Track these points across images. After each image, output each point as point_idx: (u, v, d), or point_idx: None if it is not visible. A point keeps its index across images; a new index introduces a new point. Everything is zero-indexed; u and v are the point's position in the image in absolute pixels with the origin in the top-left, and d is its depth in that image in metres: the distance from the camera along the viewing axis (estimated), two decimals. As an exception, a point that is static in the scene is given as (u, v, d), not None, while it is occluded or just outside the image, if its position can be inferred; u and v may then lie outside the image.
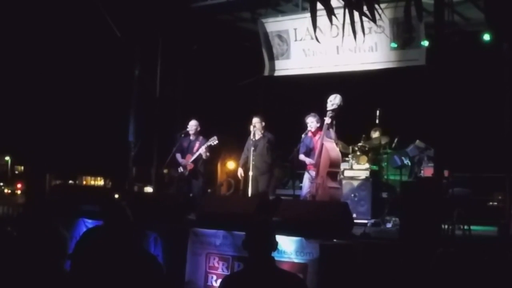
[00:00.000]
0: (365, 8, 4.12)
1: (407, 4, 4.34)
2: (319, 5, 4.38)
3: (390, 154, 10.42)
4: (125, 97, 12.68)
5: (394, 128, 10.75)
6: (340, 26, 4.15)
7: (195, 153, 10.81)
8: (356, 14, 4.24)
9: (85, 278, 4.05)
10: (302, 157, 9.44)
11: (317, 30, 11.48)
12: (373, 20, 4.13)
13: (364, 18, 4.13)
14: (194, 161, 10.84)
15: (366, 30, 10.05)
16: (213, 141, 10.73)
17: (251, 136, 10.30)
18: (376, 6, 4.08)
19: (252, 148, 10.17)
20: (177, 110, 13.00)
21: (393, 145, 10.67)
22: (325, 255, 6.65)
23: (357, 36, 4.23)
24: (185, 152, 10.98)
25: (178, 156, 11.00)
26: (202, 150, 10.71)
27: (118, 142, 13.20)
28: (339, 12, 4.27)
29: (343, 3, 4.22)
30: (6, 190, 31.10)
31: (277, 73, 12.05)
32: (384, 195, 10.41)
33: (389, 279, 6.51)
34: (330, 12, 4.06)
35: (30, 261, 4.62)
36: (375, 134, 10.84)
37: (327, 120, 9.10)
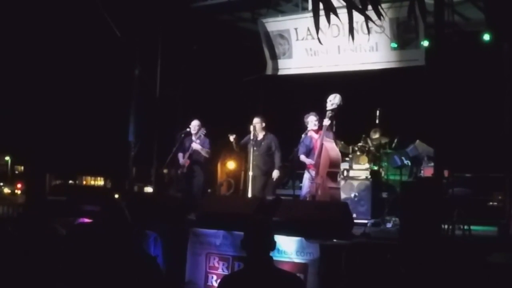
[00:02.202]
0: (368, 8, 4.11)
1: (411, 4, 4.34)
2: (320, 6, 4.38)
3: (390, 154, 10.42)
4: (125, 97, 12.67)
5: (394, 128, 10.75)
6: (341, 26, 4.16)
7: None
8: (357, 14, 4.24)
9: (83, 278, 4.05)
10: (302, 157, 9.43)
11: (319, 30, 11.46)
12: (378, 18, 4.12)
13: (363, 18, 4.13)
14: (190, 157, 10.82)
15: (366, 30, 10.13)
16: (201, 132, 10.74)
17: (252, 136, 10.30)
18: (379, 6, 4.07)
19: (254, 148, 10.18)
20: (177, 110, 13.00)
21: (393, 145, 10.67)
22: (325, 255, 6.65)
23: (361, 36, 4.24)
24: (185, 151, 10.98)
25: (180, 156, 10.99)
26: (196, 145, 10.70)
27: (118, 142, 13.19)
28: (341, 12, 4.26)
29: (344, 3, 4.22)
30: (6, 190, 31.05)
31: (279, 72, 12.06)
32: (384, 195, 10.41)
33: (389, 279, 6.51)
34: (330, 10, 4.04)
35: (30, 260, 4.63)
36: (375, 135, 10.84)
37: (326, 122, 9.10)
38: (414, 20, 9.24)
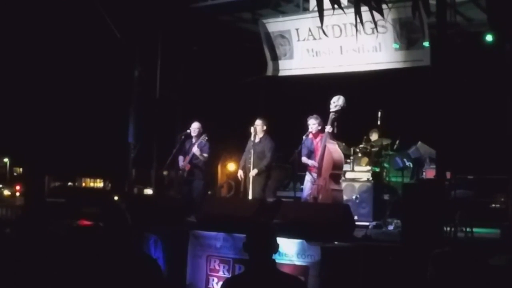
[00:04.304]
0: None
1: (414, 3, 4.28)
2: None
3: (391, 155, 10.39)
4: (125, 98, 12.62)
5: (395, 130, 10.70)
6: (343, 27, 4.09)
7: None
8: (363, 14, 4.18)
9: (82, 281, 4.01)
10: (304, 159, 9.37)
11: (319, 30, 11.44)
12: (382, 16, 4.05)
13: (368, 18, 4.07)
14: (190, 162, 10.79)
15: (369, 31, 10.10)
16: (203, 138, 10.67)
17: (252, 138, 10.24)
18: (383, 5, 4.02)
19: (252, 150, 10.12)
20: (177, 111, 12.94)
21: (395, 146, 10.63)
22: (326, 258, 6.61)
23: (364, 37, 4.18)
24: (185, 154, 10.94)
25: (180, 158, 10.92)
26: (195, 149, 10.65)
27: (118, 143, 13.15)
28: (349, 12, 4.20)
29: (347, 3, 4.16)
30: (6, 192, 30.93)
31: (280, 73, 12.01)
32: (386, 197, 10.36)
33: (391, 281, 6.46)
34: (334, 1, 3.95)
35: (28, 262, 4.57)
36: (373, 136, 10.81)
37: (328, 128, 9.03)
38: (419, 18, 9.19)
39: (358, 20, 4.02)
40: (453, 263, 3.66)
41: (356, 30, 4.27)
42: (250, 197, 10.03)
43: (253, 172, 10.06)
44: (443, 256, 3.71)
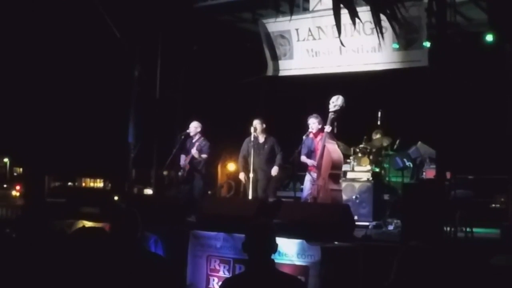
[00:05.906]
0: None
1: (429, 3, 4.28)
2: (318, 6, 4.33)
3: (391, 155, 10.38)
4: (125, 98, 12.62)
5: (395, 130, 10.70)
6: (342, 27, 4.06)
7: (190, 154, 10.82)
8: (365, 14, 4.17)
9: (88, 281, 4.03)
10: (304, 158, 9.38)
11: (319, 30, 11.48)
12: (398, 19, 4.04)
13: (368, 18, 4.06)
14: (190, 163, 10.81)
15: (369, 31, 10.11)
16: (202, 141, 10.75)
17: (252, 138, 10.24)
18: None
19: (257, 151, 10.14)
20: (177, 111, 12.94)
21: (395, 146, 10.62)
22: (326, 258, 6.60)
23: (363, 37, 4.18)
24: (187, 152, 10.96)
25: (182, 157, 10.96)
26: (194, 151, 10.69)
27: (118, 143, 13.14)
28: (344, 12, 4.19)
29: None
30: (14, 193, 30.73)
31: (280, 73, 12.01)
32: (386, 197, 10.35)
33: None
34: (353, 14, 3.95)
35: (29, 262, 4.58)
36: (376, 136, 10.79)
37: (327, 128, 9.03)
38: (428, 18, 9.19)
39: (362, 21, 4.00)
40: (421, 260, 3.63)
41: (378, 32, 4.20)
42: (250, 197, 10.05)
43: (274, 171, 10.26)
44: (410, 252, 3.69)
